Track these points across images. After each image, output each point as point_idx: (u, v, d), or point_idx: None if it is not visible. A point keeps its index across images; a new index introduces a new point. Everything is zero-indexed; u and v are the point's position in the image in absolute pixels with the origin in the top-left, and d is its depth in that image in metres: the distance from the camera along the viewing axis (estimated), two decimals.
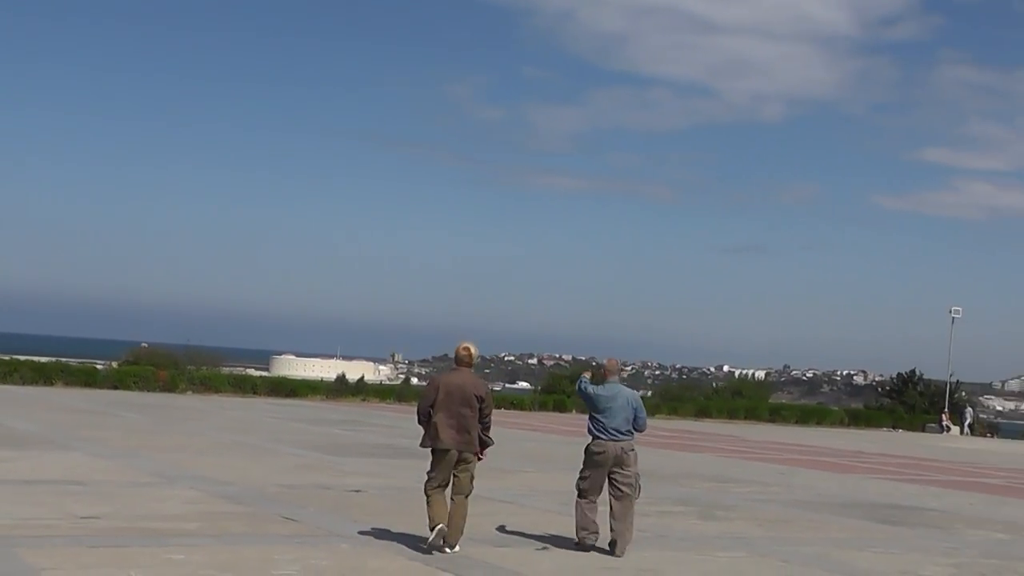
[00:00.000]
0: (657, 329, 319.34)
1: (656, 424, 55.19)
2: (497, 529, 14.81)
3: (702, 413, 64.73)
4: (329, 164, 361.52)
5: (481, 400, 12.89)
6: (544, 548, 13.54)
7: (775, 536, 16.13)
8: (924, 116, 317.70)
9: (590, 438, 13.58)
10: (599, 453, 13.42)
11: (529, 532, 14.66)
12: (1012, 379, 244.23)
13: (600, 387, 13.60)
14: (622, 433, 13.43)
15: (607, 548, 13.42)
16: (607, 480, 13.61)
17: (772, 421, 65.70)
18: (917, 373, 79.07)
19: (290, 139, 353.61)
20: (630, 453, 13.47)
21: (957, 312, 73.16)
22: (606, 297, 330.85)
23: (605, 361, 13.98)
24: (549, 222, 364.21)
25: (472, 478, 13.05)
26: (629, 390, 13.85)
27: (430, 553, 12.52)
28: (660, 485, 22.81)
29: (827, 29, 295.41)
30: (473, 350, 13.05)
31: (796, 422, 66.86)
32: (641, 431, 13.66)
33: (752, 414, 66.23)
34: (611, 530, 13.46)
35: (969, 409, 71.83)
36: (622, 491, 13.46)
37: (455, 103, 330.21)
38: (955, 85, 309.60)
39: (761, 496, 21.82)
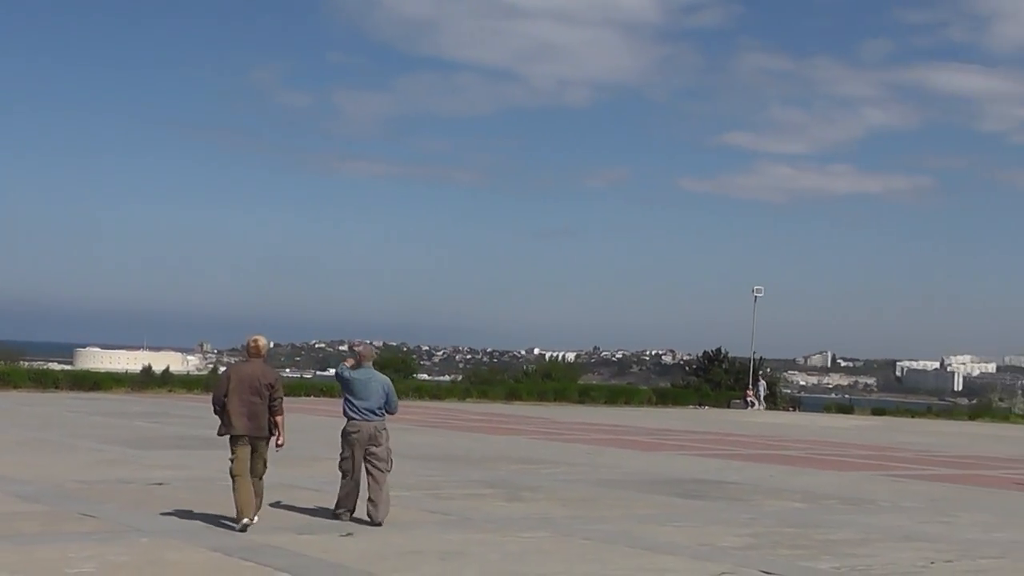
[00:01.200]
0: (469, 314, 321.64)
1: (466, 408, 55.49)
2: (302, 516, 14.76)
3: (512, 396, 65.09)
4: (132, 151, 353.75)
5: (271, 387, 13.81)
6: (348, 534, 13.51)
7: (579, 515, 16.33)
8: (727, 101, 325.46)
9: (346, 420, 14.61)
10: (355, 432, 14.52)
11: (334, 519, 14.60)
12: (815, 355, 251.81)
13: (356, 371, 14.69)
14: (375, 414, 14.60)
15: (367, 519, 14.30)
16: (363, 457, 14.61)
17: (581, 402, 66.32)
18: (722, 351, 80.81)
19: (92, 124, 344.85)
20: (383, 432, 14.64)
21: (759, 291, 74.75)
22: (417, 283, 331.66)
23: (360, 347, 15.21)
24: (358, 208, 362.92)
25: (265, 462, 13.94)
26: (382, 375, 14.98)
27: (244, 531, 13.23)
28: (468, 468, 22.92)
29: (631, 16, 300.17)
30: (262, 342, 14.04)
31: (605, 403, 67.61)
32: (392, 413, 14.87)
33: (562, 396, 66.81)
34: (369, 501, 14.36)
35: (763, 382, 73.41)
36: (376, 467, 14.53)
37: (260, 89, 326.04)
38: (756, 71, 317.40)
39: (568, 476, 22.06)
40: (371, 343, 15.82)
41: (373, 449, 14.53)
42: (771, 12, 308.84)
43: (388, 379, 15.02)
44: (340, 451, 14.67)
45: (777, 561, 12.97)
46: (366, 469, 14.54)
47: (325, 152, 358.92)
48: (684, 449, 31.96)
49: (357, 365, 14.74)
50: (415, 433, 33.18)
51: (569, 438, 34.81)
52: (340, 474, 14.63)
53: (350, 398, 14.59)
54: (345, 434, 14.60)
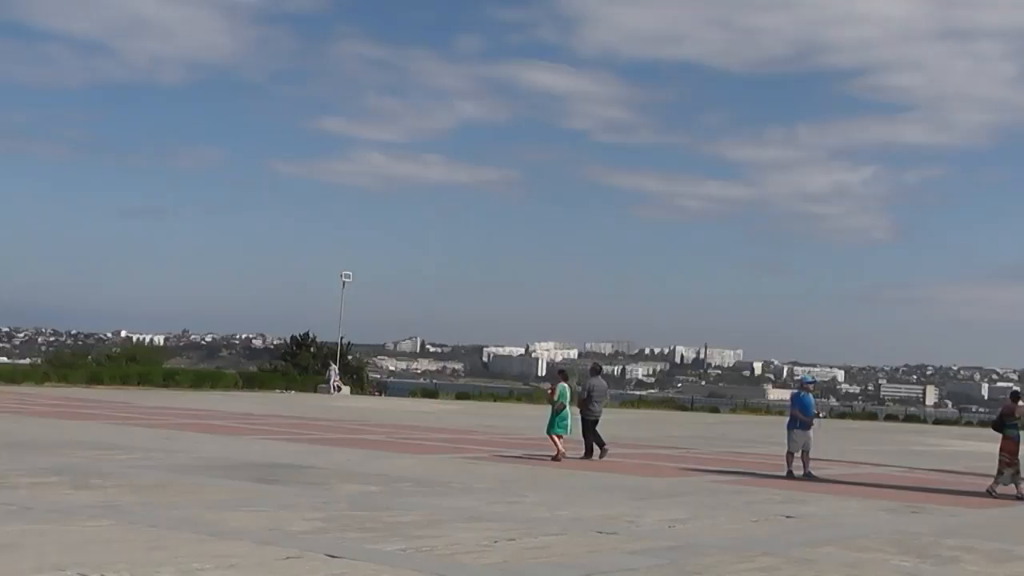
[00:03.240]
0: (52, 294, 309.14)
1: (44, 392, 53.52)
2: None
3: (94, 380, 63.26)
4: None
5: None
6: None
7: (148, 502, 15.98)
8: (323, 86, 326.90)
9: None
10: None
11: None
12: (404, 340, 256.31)
13: None
14: None
15: None
16: None
17: (166, 386, 65.24)
18: (310, 336, 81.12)
19: None
20: None
21: (348, 276, 75.34)
22: None
23: None
24: None
25: None
26: None
27: None
28: (37, 455, 22.08)
29: None
30: None
31: (190, 387, 66.73)
32: None
33: (146, 380, 65.52)
34: None
35: (333, 366, 73.82)
36: None
37: None
38: (352, 58, 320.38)
39: (141, 462, 21.56)
40: None
41: None
42: (369, 1, 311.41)
43: None
44: None
45: (345, 544, 13.05)
46: None
47: None
48: (265, 433, 31.83)
49: None
50: None
51: (148, 423, 34.09)
52: None
53: None
54: None
